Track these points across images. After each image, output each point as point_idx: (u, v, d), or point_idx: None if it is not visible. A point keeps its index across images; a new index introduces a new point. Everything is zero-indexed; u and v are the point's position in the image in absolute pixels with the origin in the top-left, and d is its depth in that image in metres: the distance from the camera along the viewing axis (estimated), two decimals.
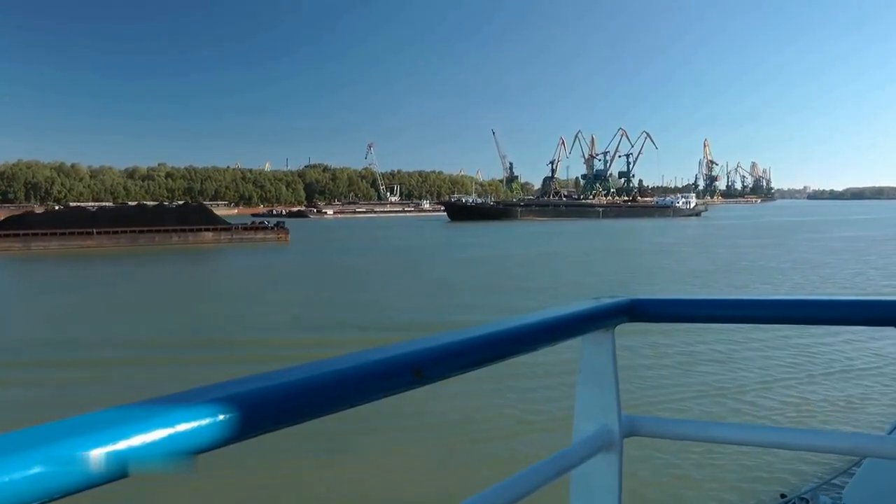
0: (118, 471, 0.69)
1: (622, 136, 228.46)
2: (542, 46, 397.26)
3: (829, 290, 29.37)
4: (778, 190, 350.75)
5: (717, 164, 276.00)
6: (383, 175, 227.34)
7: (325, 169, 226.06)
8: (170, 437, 0.74)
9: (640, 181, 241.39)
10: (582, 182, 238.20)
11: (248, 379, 0.89)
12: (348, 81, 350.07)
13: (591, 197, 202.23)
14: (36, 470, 0.62)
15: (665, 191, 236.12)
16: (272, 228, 69.38)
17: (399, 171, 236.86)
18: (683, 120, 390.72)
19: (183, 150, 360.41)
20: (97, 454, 0.67)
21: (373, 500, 9.42)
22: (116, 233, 61.36)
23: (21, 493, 0.61)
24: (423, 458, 10.60)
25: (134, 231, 62.04)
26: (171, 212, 68.86)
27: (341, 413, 0.98)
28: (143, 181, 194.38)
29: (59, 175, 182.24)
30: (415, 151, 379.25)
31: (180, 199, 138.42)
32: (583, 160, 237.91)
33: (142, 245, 61.27)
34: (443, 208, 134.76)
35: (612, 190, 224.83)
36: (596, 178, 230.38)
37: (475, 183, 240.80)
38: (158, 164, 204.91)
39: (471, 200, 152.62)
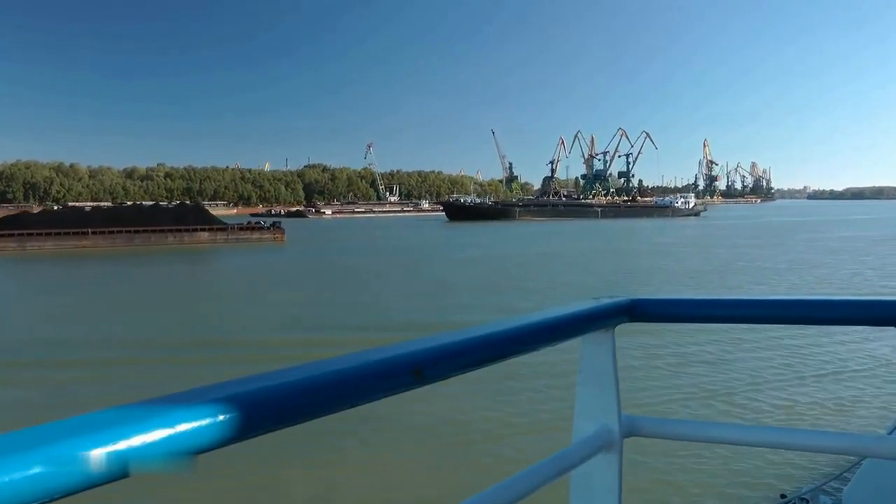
0: (118, 471, 0.69)
1: (622, 136, 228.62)
2: (542, 46, 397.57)
3: (826, 291, 29.18)
4: (778, 190, 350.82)
5: (716, 164, 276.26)
6: (383, 175, 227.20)
7: (325, 169, 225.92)
8: (170, 437, 0.74)
9: (640, 181, 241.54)
10: (581, 182, 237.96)
11: (248, 379, 0.89)
12: (348, 81, 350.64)
13: (590, 197, 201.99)
14: (36, 470, 0.63)
15: (665, 191, 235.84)
16: (268, 228, 69.18)
17: (398, 171, 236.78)
18: (683, 120, 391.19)
19: (183, 150, 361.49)
20: (97, 454, 0.67)
21: (373, 500, 9.44)
22: (112, 233, 61.23)
23: (21, 493, 0.61)
24: (423, 458, 10.60)
25: (129, 231, 61.92)
26: (166, 212, 68.65)
27: (341, 413, 0.98)
28: (141, 181, 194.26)
29: (57, 175, 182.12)
30: (415, 151, 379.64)
31: (179, 200, 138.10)
32: (582, 160, 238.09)
33: (137, 245, 61.14)
34: (441, 208, 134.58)
35: (611, 190, 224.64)
36: (595, 178, 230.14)
37: (474, 183, 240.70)
38: (157, 165, 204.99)
39: (469, 200, 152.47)
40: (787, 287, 30.71)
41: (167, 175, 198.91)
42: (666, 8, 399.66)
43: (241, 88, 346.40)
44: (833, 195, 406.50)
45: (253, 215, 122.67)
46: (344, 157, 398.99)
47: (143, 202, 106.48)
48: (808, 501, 6.41)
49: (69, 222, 61.65)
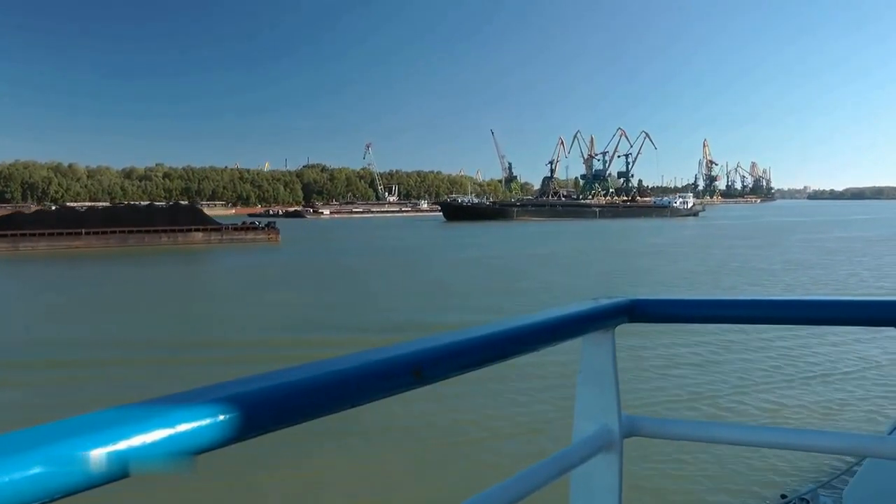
0: (119, 471, 0.69)
1: (621, 136, 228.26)
2: (542, 46, 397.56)
3: (821, 293, 28.88)
4: (778, 190, 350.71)
5: (716, 164, 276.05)
6: (382, 175, 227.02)
7: (324, 169, 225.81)
8: (170, 437, 0.74)
9: (640, 181, 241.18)
10: (581, 182, 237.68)
11: (248, 379, 0.89)
12: (348, 81, 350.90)
13: (590, 197, 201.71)
14: (37, 470, 0.63)
15: (664, 191, 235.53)
16: (263, 229, 68.93)
17: (397, 172, 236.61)
18: (683, 120, 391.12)
19: (182, 150, 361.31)
20: (98, 454, 0.67)
21: (373, 501, 9.45)
22: (105, 233, 61.02)
23: (22, 493, 0.61)
24: (423, 459, 10.60)
25: (123, 231, 61.74)
26: (161, 212, 68.42)
27: (341, 413, 0.98)
28: (140, 181, 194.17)
29: (56, 175, 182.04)
30: (414, 152, 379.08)
31: (179, 200, 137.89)
32: (582, 160, 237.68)
33: (131, 245, 60.93)
34: (440, 208, 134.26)
35: (611, 190, 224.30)
36: (595, 179, 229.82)
37: (473, 183, 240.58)
38: (156, 164, 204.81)
39: (467, 200, 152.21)
40: (782, 289, 30.42)
41: (165, 175, 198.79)
42: (666, 8, 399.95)
43: (241, 88, 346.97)
44: (833, 195, 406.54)
45: (251, 215, 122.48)
46: (343, 158, 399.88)
47: (137, 202, 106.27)
48: (808, 501, 6.45)
49: (63, 223, 61.45)
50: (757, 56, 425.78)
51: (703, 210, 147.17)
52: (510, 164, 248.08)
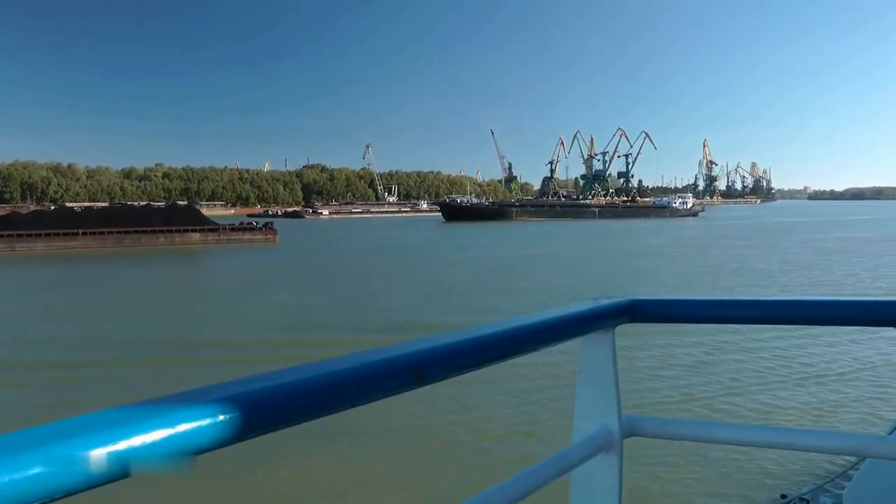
0: (119, 471, 0.69)
1: (621, 136, 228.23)
2: (542, 46, 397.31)
3: (819, 293, 28.70)
4: (778, 190, 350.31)
5: (716, 165, 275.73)
6: (381, 175, 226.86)
7: (323, 169, 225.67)
8: (170, 437, 0.74)
9: (640, 181, 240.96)
10: (581, 182, 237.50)
11: (248, 379, 0.89)
12: (348, 81, 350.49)
13: (590, 197, 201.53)
14: (37, 470, 0.63)
15: (664, 191, 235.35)
16: (260, 229, 68.81)
17: (397, 172, 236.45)
18: (683, 120, 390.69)
19: (182, 150, 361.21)
20: (98, 454, 0.67)
21: (373, 501, 9.48)
22: (102, 233, 60.99)
23: (22, 493, 0.62)
24: (423, 459, 10.62)
25: (120, 232, 61.66)
26: (158, 212, 68.44)
27: (342, 413, 0.98)
28: (139, 181, 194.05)
29: (55, 175, 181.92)
30: (415, 152, 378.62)
31: (178, 200, 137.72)
32: (582, 160, 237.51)
33: (127, 246, 60.83)
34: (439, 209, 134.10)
35: (610, 190, 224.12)
36: (595, 179, 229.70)
37: (473, 183, 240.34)
38: (155, 165, 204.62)
39: (465, 201, 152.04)
40: (778, 289, 30.24)
41: (165, 175, 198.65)
42: (666, 8, 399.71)
43: (241, 88, 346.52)
44: (833, 195, 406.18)
45: (250, 215, 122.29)
46: (343, 158, 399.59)
47: (134, 202, 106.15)
48: (808, 501, 6.48)
49: (59, 223, 61.47)
50: (757, 56, 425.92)
51: (703, 210, 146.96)
52: (510, 164, 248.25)
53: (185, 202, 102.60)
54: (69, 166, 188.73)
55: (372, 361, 1.03)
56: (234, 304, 27.94)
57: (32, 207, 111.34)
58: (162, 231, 63.42)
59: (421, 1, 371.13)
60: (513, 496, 1.33)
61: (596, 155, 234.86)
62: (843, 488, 5.74)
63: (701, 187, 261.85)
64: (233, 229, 67.85)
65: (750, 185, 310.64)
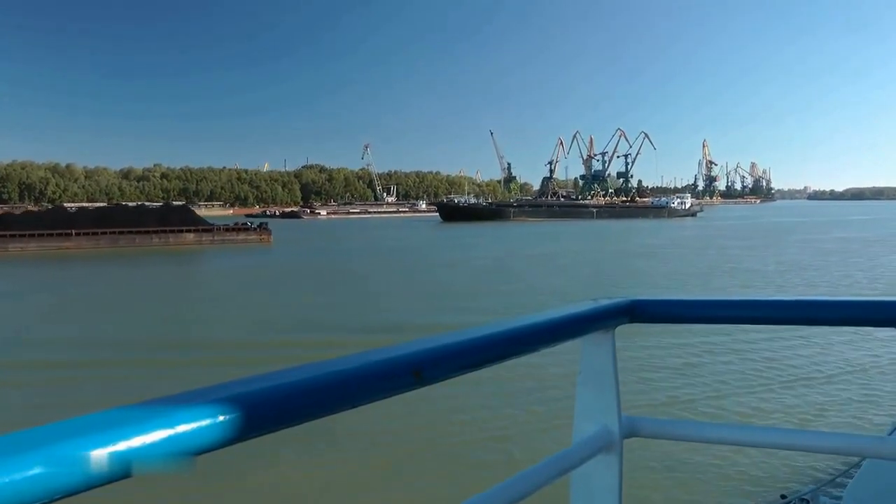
0: (119, 471, 0.69)
1: (621, 136, 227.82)
2: (542, 46, 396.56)
3: (816, 293, 28.39)
4: (778, 190, 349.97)
5: (716, 165, 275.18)
6: (380, 175, 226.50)
7: (322, 169, 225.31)
8: (171, 437, 0.74)
9: (640, 182, 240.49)
10: (580, 182, 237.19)
11: (249, 380, 0.89)
12: (348, 81, 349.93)
13: (589, 197, 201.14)
14: (37, 470, 0.63)
15: (664, 191, 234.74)
16: (255, 229, 68.59)
17: (396, 172, 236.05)
18: (683, 120, 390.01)
19: (182, 150, 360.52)
20: (98, 455, 0.67)
21: (373, 501, 9.51)
22: (96, 234, 60.83)
23: (22, 494, 0.62)
24: (423, 459, 10.65)
25: (114, 232, 61.46)
26: (151, 212, 68.30)
27: (341, 414, 0.98)
28: (138, 182, 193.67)
29: (53, 175, 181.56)
30: (414, 152, 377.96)
31: (176, 200, 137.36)
32: (581, 161, 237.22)
33: (121, 246, 60.65)
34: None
35: (610, 190, 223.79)
36: (594, 179, 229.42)
37: (472, 183, 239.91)
38: (154, 165, 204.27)
39: (463, 201, 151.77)
40: (772, 290, 29.93)
41: (163, 175, 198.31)
42: (666, 8, 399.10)
43: (240, 88, 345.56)
44: (833, 196, 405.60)
45: (248, 216, 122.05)
46: (343, 158, 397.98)
47: (128, 203, 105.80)
48: (808, 502, 6.47)
49: (53, 223, 61.22)
50: (757, 56, 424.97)
51: (702, 210, 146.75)
52: (509, 164, 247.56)
53: (182, 202, 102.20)
54: (67, 167, 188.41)
55: (372, 362, 1.03)
56: (227, 305, 27.91)
57: (28, 208, 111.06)
58: (156, 231, 63.26)
59: (421, 1, 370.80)
60: (513, 496, 1.32)
61: (595, 155, 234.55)
62: (843, 489, 5.68)
63: (700, 187, 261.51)
64: (227, 230, 67.65)
65: (750, 186, 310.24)
